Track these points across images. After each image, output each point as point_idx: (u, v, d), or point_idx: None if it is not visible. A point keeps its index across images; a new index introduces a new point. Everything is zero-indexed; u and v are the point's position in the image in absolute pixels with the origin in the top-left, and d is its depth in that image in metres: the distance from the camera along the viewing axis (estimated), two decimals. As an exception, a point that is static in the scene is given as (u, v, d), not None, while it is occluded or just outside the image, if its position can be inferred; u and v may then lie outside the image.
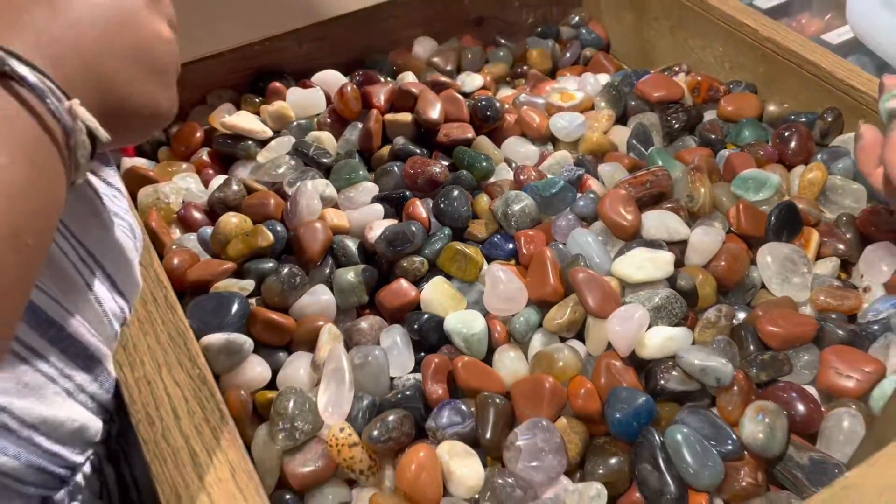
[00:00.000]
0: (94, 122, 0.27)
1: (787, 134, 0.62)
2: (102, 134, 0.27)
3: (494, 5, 0.81)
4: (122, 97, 0.29)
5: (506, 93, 0.74)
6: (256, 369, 0.49)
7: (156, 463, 0.38)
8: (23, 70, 0.25)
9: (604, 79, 0.73)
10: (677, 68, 0.73)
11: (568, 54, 0.80)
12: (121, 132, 0.30)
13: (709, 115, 0.68)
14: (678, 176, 0.59)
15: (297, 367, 0.49)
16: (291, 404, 0.45)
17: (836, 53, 0.63)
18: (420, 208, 0.57)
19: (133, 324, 0.44)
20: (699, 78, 0.69)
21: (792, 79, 0.65)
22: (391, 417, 0.45)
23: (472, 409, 0.46)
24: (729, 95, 0.67)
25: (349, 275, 0.53)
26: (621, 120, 0.69)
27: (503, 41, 0.81)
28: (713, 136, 0.64)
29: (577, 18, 0.85)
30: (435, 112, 0.64)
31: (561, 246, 0.54)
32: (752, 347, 0.49)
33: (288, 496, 0.45)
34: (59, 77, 0.26)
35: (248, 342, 0.48)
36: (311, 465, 0.44)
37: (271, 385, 0.49)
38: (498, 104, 0.66)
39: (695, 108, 0.68)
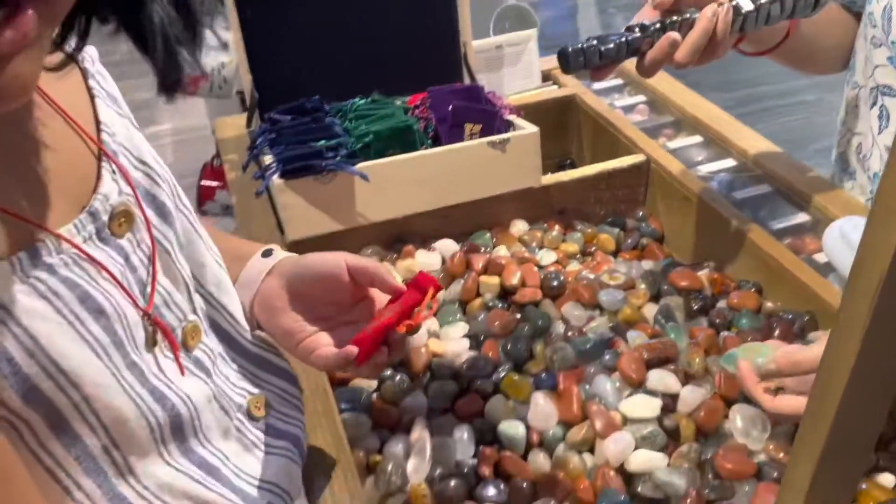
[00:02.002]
0: None
1: (773, 325, 0.83)
2: None
3: (575, 200, 1.08)
4: None
5: (574, 267, 0.99)
6: (371, 441, 0.74)
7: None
8: None
9: (648, 265, 0.97)
10: (706, 264, 0.96)
11: (629, 241, 1.05)
12: None
13: (721, 304, 0.90)
14: (684, 347, 0.82)
15: (397, 443, 0.74)
16: (390, 466, 0.70)
17: (819, 271, 0.86)
18: (495, 346, 0.83)
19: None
20: (716, 275, 0.92)
21: (786, 287, 0.87)
22: (452, 482, 0.69)
23: (507, 487, 0.70)
24: (737, 291, 0.90)
25: (440, 386, 0.79)
26: (655, 298, 0.92)
27: (579, 227, 1.07)
28: (718, 321, 0.87)
29: (640, 214, 1.11)
30: (515, 279, 0.90)
31: (587, 386, 0.78)
32: (710, 476, 0.70)
33: (380, 524, 0.69)
34: None
35: (368, 421, 0.74)
36: (398, 505, 0.69)
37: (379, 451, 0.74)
38: (562, 278, 0.92)
39: (711, 297, 0.91)
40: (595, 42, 0.69)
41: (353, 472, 0.67)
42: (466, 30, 1.15)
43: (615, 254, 1.04)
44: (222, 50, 1.38)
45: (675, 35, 0.70)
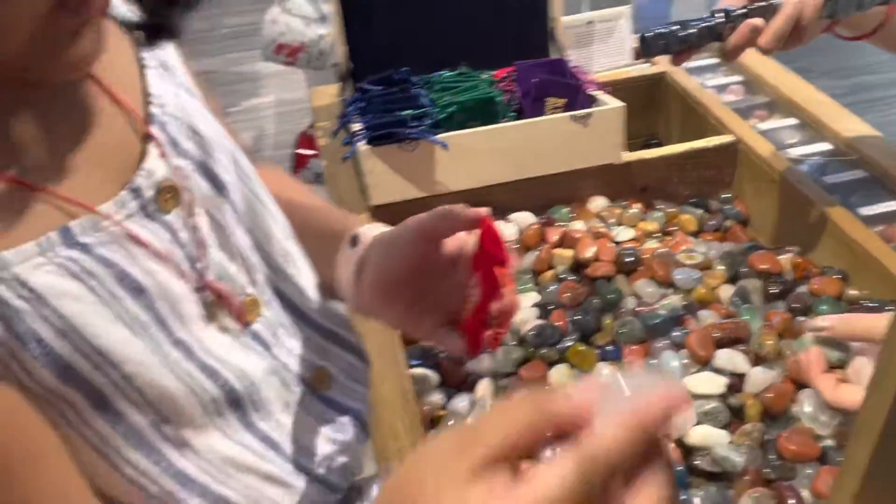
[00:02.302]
0: None
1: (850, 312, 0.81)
2: None
3: (658, 179, 1.07)
4: None
5: (651, 245, 0.99)
6: (437, 396, 0.77)
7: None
8: None
9: (728, 247, 0.96)
10: (789, 249, 0.94)
11: (712, 222, 1.04)
12: None
13: (801, 289, 0.88)
14: (757, 329, 0.81)
15: (461, 400, 0.77)
16: (452, 421, 0.73)
17: (909, 259, 0.82)
18: (563, 316, 0.84)
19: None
20: (799, 260, 0.90)
21: (872, 275, 0.84)
22: (512, 441, 0.71)
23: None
24: (819, 277, 0.88)
25: (506, 351, 0.81)
26: (732, 281, 0.91)
27: (660, 206, 1.06)
28: (796, 306, 0.85)
29: (726, 195, 1.09)
30: (588, 253, 0.91)
31: (653, 361, 0.78)
32: (772, 456, 0.69)
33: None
34: None
35: (436, 378, 0.78)
36: (457, 458, 0.72)
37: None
38: (637, 254, 0.92)
39: (791, 282, 0.89)
40: (676, 27, 0.69)
41: (418, 423, 0.70)
42: (556, 5, 1.15)
43: (696, 235, 1.03)
44: (321, 22, 1.44)
45: (756, 21, 0.69)
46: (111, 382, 0.42)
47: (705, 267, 0.92)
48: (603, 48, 1.28)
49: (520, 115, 1.02)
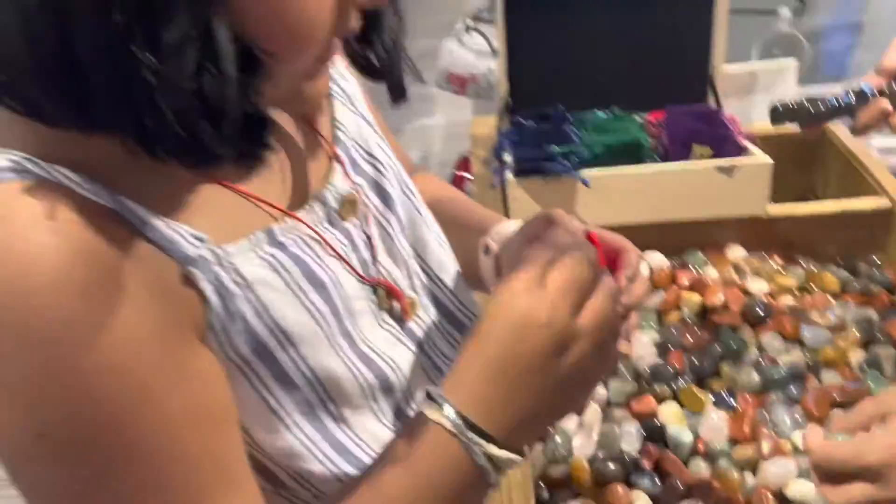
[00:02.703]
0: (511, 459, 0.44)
1: None
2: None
3: (805, 235, 1.07)
4: (536, 432, 0.48)
5: (785, 301, 0.99)
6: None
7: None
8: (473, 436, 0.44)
9: (867, 312, 0.94)
10: (936, 321, 0.91)
11: (857, 285, 1.02)
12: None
13: (940, 365, 0.85)
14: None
15: (570, 420, 0.82)
16: (559, 438, 0.79)
17: None
18: (681, 358, 0.87)
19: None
20: (941, 334, 0.87)
21: None
22: (612, 465, 0.75)
23: (663, 484, 0.75)
24: (962, 354, 0.84)
25: (620, 383, 0.85)
26: (865, 346, 0.89)
27: (803, 262, 1.05)
28: (931, 380, 0.82)
29: (876, 260, 1.06)
30: (717, 299, 0.93)
31: (765, 413, 0.79)
32: (875, 525, 0.69)
33: (542, 485, 0.78)
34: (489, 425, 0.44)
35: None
36: (561, 473, 0.77)
37: (553, 427, 0.83)
38: (767, 307, 0.92)
39: (930, 355, 0.86)
40: (807, 102, 0.71)
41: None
42: (718, 53, 1.17)
43: (837, 296, 1.01)
44: (492, 56, 1.54)
45: (885, 104, 0.69)
46: (290, 359, 0.49)
47: (838, 328, 0.91)
48: (765, 99, 1.27)
49: (666, 158, 1.06)
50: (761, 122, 1.26)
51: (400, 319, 0.59)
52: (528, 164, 1.03)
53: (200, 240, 0.44)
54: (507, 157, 1.06)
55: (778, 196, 1.15)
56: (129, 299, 0.39)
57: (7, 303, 0.36)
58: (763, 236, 1.06)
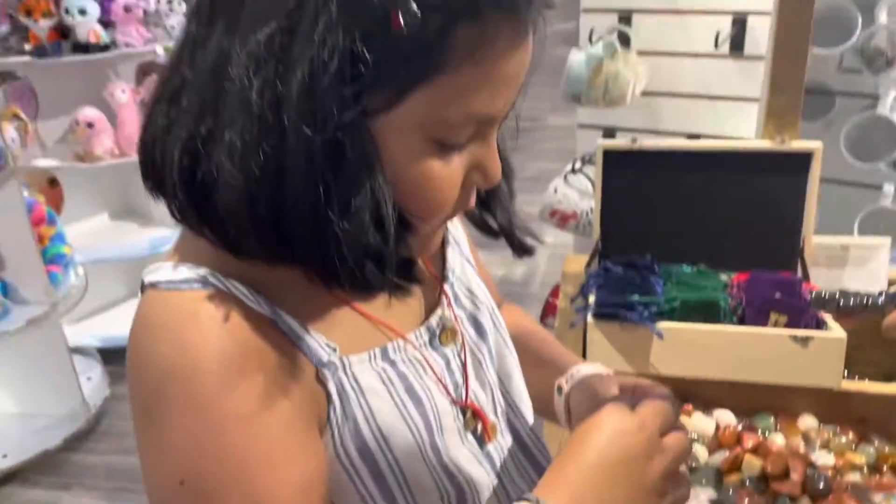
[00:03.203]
0: None
1: None
2: None
3: (880, 414, 1.07)
4: None
5: (853, 478, 0.99)
6: None
7: None
8: None
9: (936, 504, 0.93)
10: None
11: (933, 475, 1.00)
12: None
13: None
14: None
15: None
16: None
17: None
18: (733, 520, 0.89)
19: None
20: None
21: None
22: None
23: None
24: None
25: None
26: (929, 539, 0.88)
27: (876, 441, 1.05)
28: None
29: (956, 450, 1.04)
30: (779, 467, 0.95)
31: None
32: None
33: None
34: None
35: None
36: None
37: None
38: (830, 483, 0.93)
39: None
40: (839, 295, 0.76)
41: None
42: (808, 224, 1.22)
43: (910, 481, 1.00)
44: (592, 197, 1.64)
45: None
46: (387, 462, 0.56)
47: (902, 517, 0.91)
48: (856, 273, 1.30)
49: (743, 321, 1.10)
50: (850, 295, 1.28)
51: (481, 441, 0.65)
52: (609, 309, 1.10)
53: (333, 349, 0.55)
54: (591, 299, 1.14)
55: (863, 372, 1.17)
56: (275, 385, 0.50)
57: (180, 376, 0.48)
58: (837, 409, 1.08)
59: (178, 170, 0.49)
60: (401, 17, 0.45)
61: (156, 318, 0.51)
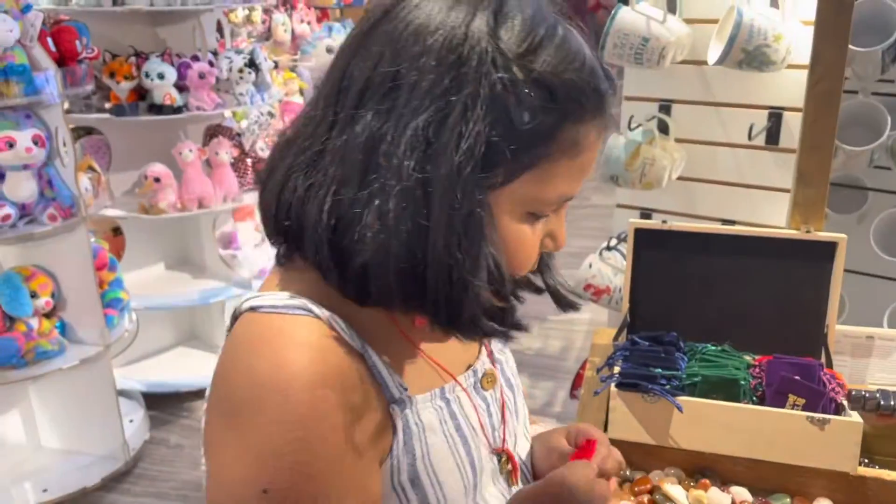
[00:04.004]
0: None
1: None
2: None
3: (898, 503, 1.08)
4: None
5: (867, 564, 1.00)
6: None
7: None
8: None
9: None
10: None
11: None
12: None
13: None
14: None
15: None
16: None
17: None
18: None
19: None
20: None
21: None
22: None
23: None
24: None
25: None
26: None
27: (893, 530, 1.06)
28: None
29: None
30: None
31: None
32: None
33: None
34: None
35: None
36: None
37: None
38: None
39: None
40: (878, 395, 0.81)
41: None
42: (832, 312, 1.26)
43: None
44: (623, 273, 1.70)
45: None
46: (434, 495, 0.62)
47: None
48: (881, 363, 1.32)
49: (762, 401, 1.13)
50: (874, 384, 1.31)
51: (508, 482, 0.72)
52: (632, 380, 1.15)
53: (404, 388, 0.62)
54: (616, 369, 1.19)
55: (884, 462, 1.18)
56: (354, 411, 0.57)
57: (273, 388, 0.54)
58: (853, 495, 1.09)
59: (326, 229, 0.56)
60: (526, 115, 0.55)
61: (255, 335, 0.58)
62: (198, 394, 2.95)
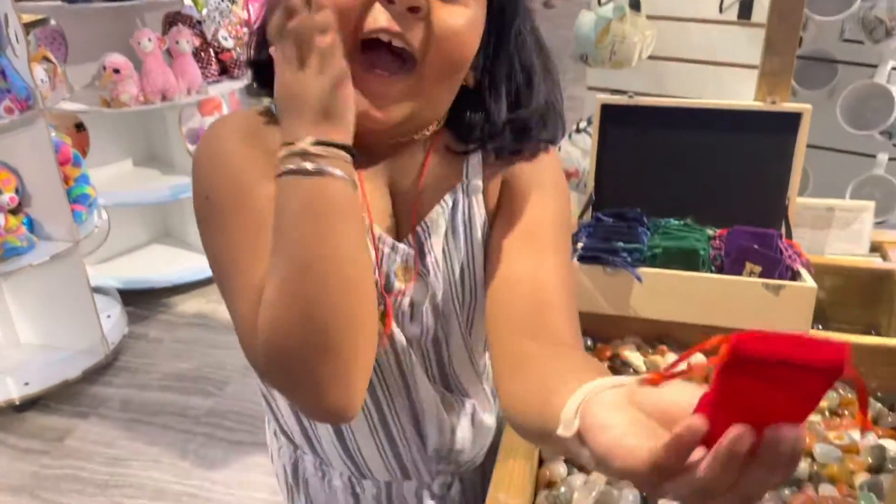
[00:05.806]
0: None
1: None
2: None
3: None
4: None
5: (813, 418, 1.05)
6: (559, 466, 0.94)
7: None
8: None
9: (885, 443, 0.99)
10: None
11: (889, 419, 1.06)
12: None
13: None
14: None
15: (578, 478, 0.93)
16: (564, 488, 0.90)
17: None
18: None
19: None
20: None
21: None
22: (601, 520, 0.86)
23: (644, 546, 0.84)
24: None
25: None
26: (875, 472, 0.94)
27: (839, 389, 1.11)
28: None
29: (916, 400, 1.10)
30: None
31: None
32: None
33: (539, 527, 0.89)
34: None
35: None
36: None
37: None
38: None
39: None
40: None
41: (532, 478, 0.88)
42: (794, 185, 1.27)
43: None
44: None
45: None
46: None
47: (851, 450, 0.97)
48: (840, 234, 1.35)
49: (721, 271, 1.16)
50: (833, 256, 1.34)
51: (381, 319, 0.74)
52: (595, 253, 1.17)
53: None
54: (580, 245, 1.20)
55: (840, 329, 1.22)
56: (261, 150, 0.66)
57: (211, 139, 0.70)
58: (805, 357, 1.14)
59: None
60: None
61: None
62: (173, 290, 2.96)
